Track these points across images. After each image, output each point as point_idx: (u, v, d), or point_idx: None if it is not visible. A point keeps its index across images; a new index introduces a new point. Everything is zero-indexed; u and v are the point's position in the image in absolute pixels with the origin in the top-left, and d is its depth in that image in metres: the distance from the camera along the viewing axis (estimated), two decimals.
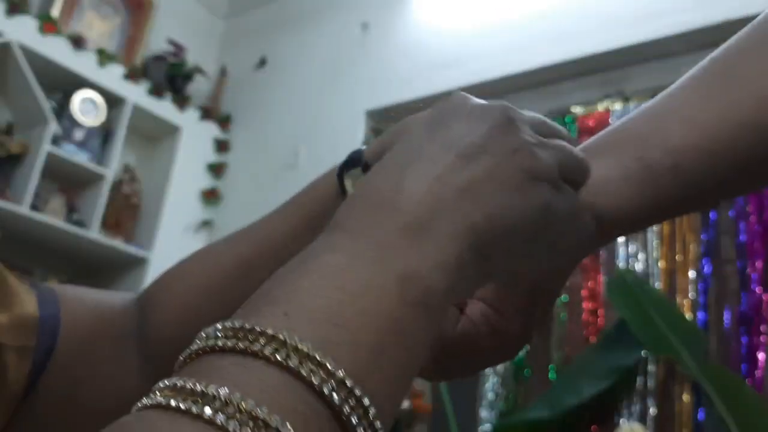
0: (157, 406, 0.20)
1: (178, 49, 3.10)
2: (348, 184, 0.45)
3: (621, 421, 1.73)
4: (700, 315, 1.75)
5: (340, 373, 0.21)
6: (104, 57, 2.82)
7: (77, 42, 2.75)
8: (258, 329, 0.21)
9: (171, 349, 0.46)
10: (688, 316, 1.75)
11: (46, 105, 2.55)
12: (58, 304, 0.46)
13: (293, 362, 0.21)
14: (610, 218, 0.35)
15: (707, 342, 1.70)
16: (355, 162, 0.45)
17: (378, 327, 0.23)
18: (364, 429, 0.21)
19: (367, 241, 0.25)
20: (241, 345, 0.21)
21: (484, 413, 1.96)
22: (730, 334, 1.71)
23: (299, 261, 0.26)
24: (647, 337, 1.66)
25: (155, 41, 3.10)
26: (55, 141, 2.63)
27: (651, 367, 1.75)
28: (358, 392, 0.21)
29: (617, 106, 2.06)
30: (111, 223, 2.81)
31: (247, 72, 3.24)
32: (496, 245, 0.28)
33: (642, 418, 1.72)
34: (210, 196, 3.06)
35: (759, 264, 1.70)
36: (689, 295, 1.78)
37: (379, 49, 2.77)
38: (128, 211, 2.89)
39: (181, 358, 0.23)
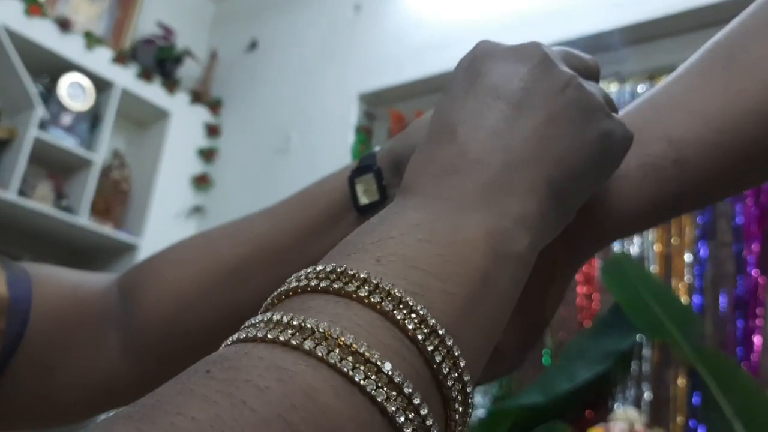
0: (253, 339, 0.20)
1: (168, 32, 3.06)
2: (359, 190, 0.43)
3: (615, 405, 1.72)
4: (696, 299, 1.73)
5: (432, 321, 0.21)
6: (92, 40, 2.77)
7: (64, 25, 2.70)
8: (351, 272, 0.22)
9: (156, 341, 0.44)
10: (683, 299, 1.73)
11: (33, 89, 2.51)
12: (30, 285, 0.43)
13: (387, 306, 0.21)
14: (609, 220, 0.33)
15: (703, 326, 1.69)
16: (366, 168, 0.43)
17: (469, 278, 0.23)
18: (454, 381, 0.21)
19: (447, 203, 0.25)
20: (335, 286, 0.21)
21: (477, 398, 1.95)
22: (726, 317, 1.69)
23: (381, 218, 0.25)
24: (642, 322, 1.65)
25: (144, 24, 3.06)
26: (43, 126, 2.59)
27: (646, 352, 1.74)
28: (449, 342, 0.21)
29: (613, 87, 2.03)
30: (100, 210, 2.78)
31: (238, 55, 3.20)
32: (570, 188, 0.28)
33: (637, 403, 1.71)
34: (201, 182, 3.02)
35: (755, 247, 1.69)
36: (685, 278, 1.76)
37: (372, 31, 2.73)
38: (118, 197, 2.86)
39: (270, 299, 0.23)
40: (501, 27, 2.32)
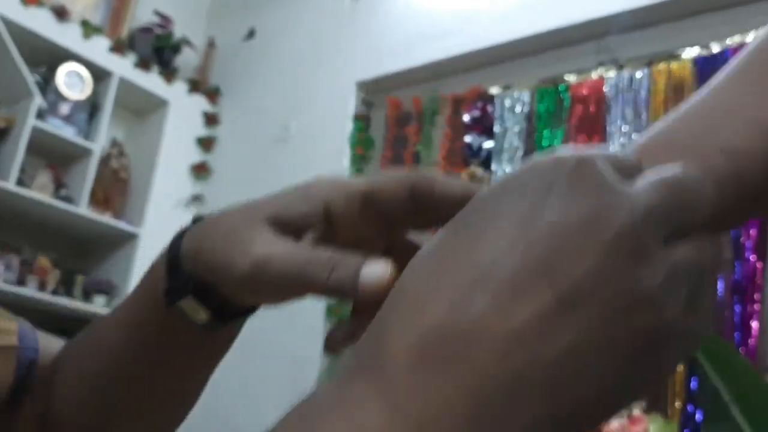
0: None
1: (165, 20, 3.05)
2: (189, 312, 0.33)
3: None
4: None
5: None
6: (89, 29, 2.77)
7: (61, 14, 2.69)
8: None
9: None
10: None
11: (30, 78, 2.51)
12: (37, 337, 0.43)
13: None
14: None
15: None
16: (181, 287, 0.33)
17: None
18: None
19: (415, 418, 0.19)
20: None
21: None
22: (723, 303, 1.70)
23: (322, 409, 0.20)
24: None
25: (141, 13, 3.04)
26: (41, 115, 2.58)
27: None
28: None
29: (611, 73, 2.02)
30: (100, 199, 2.78)
31: (236, 44, 3.19)
32: (581, 423, 0.20)
33: None
34: (200, 171, 3.02)
35: (753, 232, 1.69)
36: None
37: (370, 19, 2.72)
38: (117, 187, 2.86)
39: None
40: (499, 15, 2.31)
